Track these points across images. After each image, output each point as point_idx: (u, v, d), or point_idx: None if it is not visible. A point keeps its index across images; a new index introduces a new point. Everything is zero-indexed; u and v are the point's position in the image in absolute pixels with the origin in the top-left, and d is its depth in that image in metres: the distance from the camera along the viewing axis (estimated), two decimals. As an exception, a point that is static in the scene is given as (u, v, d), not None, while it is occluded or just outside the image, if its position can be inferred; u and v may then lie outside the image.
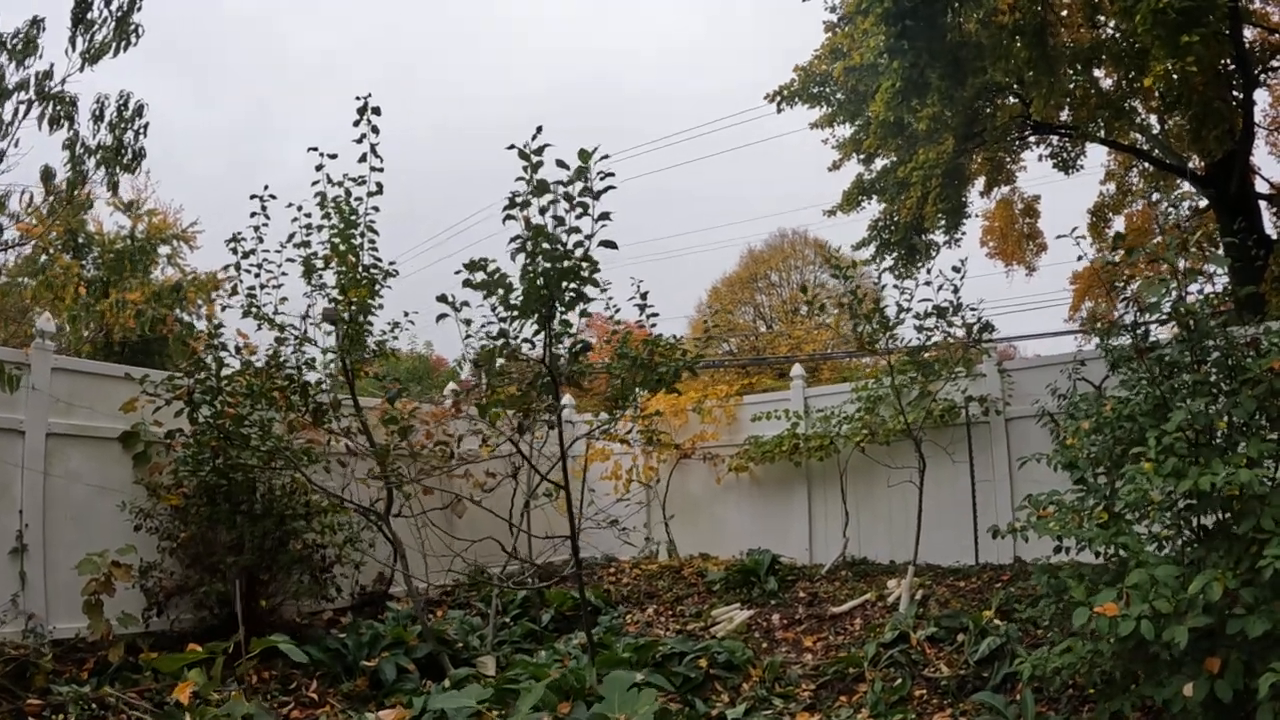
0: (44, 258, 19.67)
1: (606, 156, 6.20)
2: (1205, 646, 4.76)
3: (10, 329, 18.11)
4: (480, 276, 6.63)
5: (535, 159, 6.33)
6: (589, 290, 6.73)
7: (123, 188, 20.33)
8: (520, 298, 6.69)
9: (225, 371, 8.18)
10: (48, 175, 7.32)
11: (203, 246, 23.31)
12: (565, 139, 6.42)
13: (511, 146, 6.35)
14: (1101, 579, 5.47)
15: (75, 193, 7.77)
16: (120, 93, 7.31)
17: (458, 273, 6.69)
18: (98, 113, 7.28)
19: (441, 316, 6.91)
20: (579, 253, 6.48)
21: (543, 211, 6.44)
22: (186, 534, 7.96)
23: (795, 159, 48.91)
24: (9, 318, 18.98)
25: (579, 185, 6.28)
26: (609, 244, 6.49)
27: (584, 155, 6.18)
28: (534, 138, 6.33)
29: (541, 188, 6.37)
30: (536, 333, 6.96)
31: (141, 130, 7.43)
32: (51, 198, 8.12)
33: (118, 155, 7.34)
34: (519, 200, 6.44)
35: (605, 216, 6.38)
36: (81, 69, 7.09)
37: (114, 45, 7.12)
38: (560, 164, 6.25)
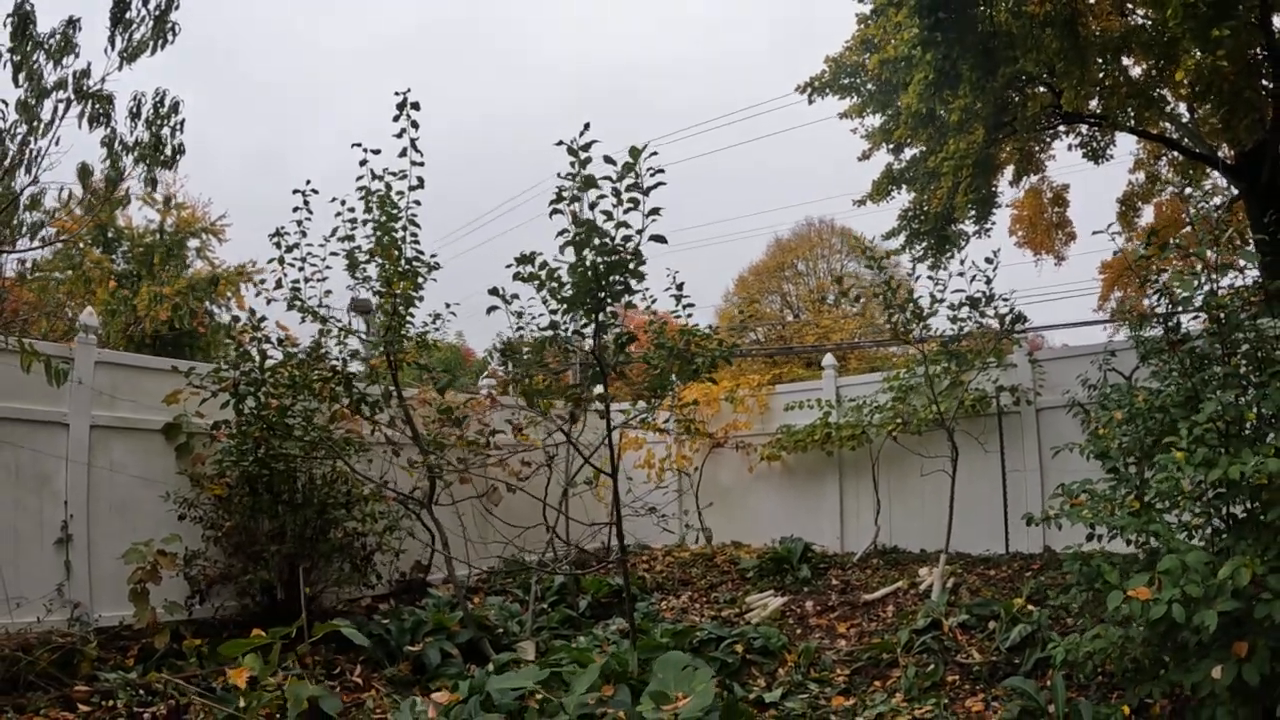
0: (74, 252, 19.95)
1: (655, 154, 6.32)
2: (1233, 632, 4.84)
3: (45, 324, 18.38)
4: (529, 270, 6.79)
5: (583, 155, 6.46)
6: (633, 283, 6.86)
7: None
8: (570, 290, 6.84)
9: (268, 363, 8.29)
10: (85, 173, 7.44)
11: (231, 240, 23.57)
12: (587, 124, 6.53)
13: (560, 143, 6.49)
14: (1132, 567, 5.55)
15: (113, 189, 7.90)
16: (156, 90, 7.45)
17: (508, 266, 6.87)
18: (135, 110, 7.40)
19: (492, 309, 7.04)
20: (629, 246, 6.60)
21: (592, 207, 6.56)
22: (229, 523, 8.08)
23: (824, 149, 48.79)
24: (45, 313, 19.27)
25: (628, 181, 6.38)
26: (659, 238, 6.60)
27: (634, 152, 6.30)
28: (581, 134, 6.46)
29: (589, 183, 6.49)
30: (585, 324, 7.11)
31: (178, 127, 7.55)
32: (89, 195, 8.25)
33: (156, 151, 7.44)
34: (565, 195, 6.56)
35: (655, 212, 6.48)
36: (120, 67, 7.20)
37: (152, 43, 7.22)
38: (608, 159, 6.37)
